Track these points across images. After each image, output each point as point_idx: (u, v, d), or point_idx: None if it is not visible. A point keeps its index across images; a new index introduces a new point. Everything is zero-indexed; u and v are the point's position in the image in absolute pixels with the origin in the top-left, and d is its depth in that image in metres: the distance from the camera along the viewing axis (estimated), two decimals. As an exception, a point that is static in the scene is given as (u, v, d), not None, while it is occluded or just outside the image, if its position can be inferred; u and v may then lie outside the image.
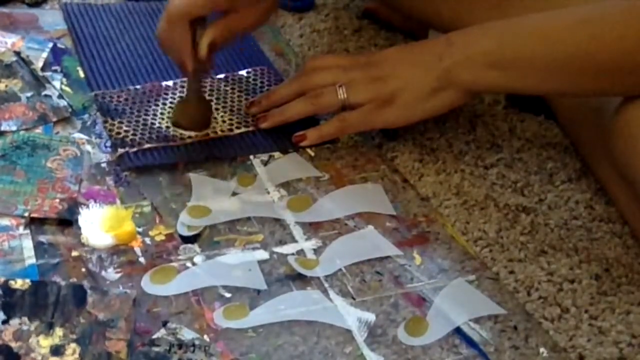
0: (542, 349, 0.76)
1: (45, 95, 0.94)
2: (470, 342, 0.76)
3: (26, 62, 0.98)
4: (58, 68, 1.00)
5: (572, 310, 0.80)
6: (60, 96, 0.95)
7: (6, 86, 0.95)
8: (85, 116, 0.94)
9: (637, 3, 0.82)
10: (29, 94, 0.94)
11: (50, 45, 1.02)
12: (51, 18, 1.08)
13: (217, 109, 0.97)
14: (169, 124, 0.93)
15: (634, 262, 0.85)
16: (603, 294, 0.82)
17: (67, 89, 0.97)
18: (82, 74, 1.00)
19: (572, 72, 0.85)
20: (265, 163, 0.92)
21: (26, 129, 0.90)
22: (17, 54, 0.99)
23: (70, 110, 0.93)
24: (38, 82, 0.96)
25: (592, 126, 0.92)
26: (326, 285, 0.79)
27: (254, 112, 0.96)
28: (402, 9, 1.07)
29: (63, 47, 1.03)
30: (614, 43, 0.82)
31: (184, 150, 0.91)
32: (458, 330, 0.76)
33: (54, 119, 0.92)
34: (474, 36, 0.89)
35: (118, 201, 0.84)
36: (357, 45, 1.09)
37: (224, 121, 0.95)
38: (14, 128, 0.90)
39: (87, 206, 0.82)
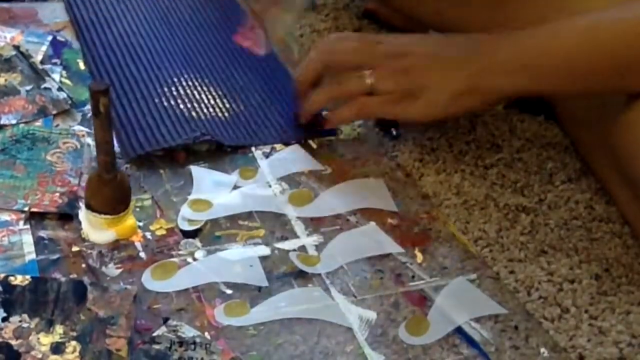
0: (542, 349, 0.75)
1: (45, 88, 0.93)
2: (470, 341, 0.75)
3: (25, 56, 0.96)
4: (58, 61, 0.98)
5: (572, 310, 0.79)
6: (59, 89, 0.93)
7: (5, 80, 0.93)
8: (86, 108, 0.92)
9: None
10: (28, 88, 0.93)
11: (50, 38, 1.01)
12: (50, 11, 1.06)
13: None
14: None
15: (634, 262, 0.84)
16: (603, 294, 0.81)
17: (67, 81, 0.96)
18: (82, 66, 0.98)
19: (598, 71, 0.84)
20: (267, 155, 0.91)
21: (26, 122, 0.88)
22: (16, 47, 0.97)
23: (70, 102, 0.92)
24: (37, 76, 0.94)
25: (592, 125, 0.92)
26: (327, 282, 0.78)
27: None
28: (402, 9, 1.06)
29: (63, 39, 1.02)
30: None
31: (183, 132, 0.90)
32: (459, 330, 0.75)
33: (54, 112, 0.91)
34: (501, 42, 0.88)
35: (119, 195, 0.83)
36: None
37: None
38: (13, 122, 0.88)
39: (88, 201, 0.81)
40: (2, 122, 0.88)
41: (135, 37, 1.03)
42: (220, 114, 0.94)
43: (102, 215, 0.77)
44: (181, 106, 0.93)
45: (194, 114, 0.93)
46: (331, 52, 0.93)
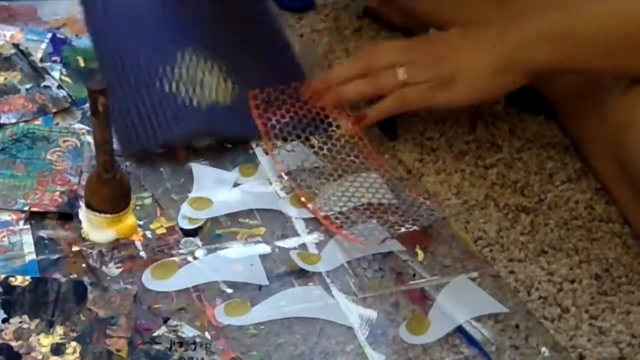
0: (543, 349, 0.73)
1: (45, 87, 0.91)
2: (471, 341, 0.73)
3: (25, 54, 0.95)
4: (58, 58, 0.97)
5: (572, 310, 0.78)
6: (59, 87, 0.91)
7: (5, 79, 0.91)
8: (85, 106, 0.90)
9: None
10: (28, 86, 0.91)
11: (49, 35, 0.99)
12: (50, 9, 1.04)
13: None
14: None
15: (633, 262, 0.83)
16: (603, 294, 0.80)
17: (67, 79, 0.94)
18: (82, 64, 0.96)
19: (627, 47, 0.83)
20: (267, 152, 0.89)
21: (26, 121, 0.87)
22: (16, 46, 0.95)
23: (70, 100, 0.90)
24: (37, 74, 0.93)
25: (592, 123, 0.90)
26: (328, 281, 0.77)
27: (309, 94, 0.93)
28: (402, 7, 1.05)
29: (62, 37, 1.00)
30: None
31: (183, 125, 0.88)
32: (459, 329, 0.74)
33: (54, 110, 0.89)
34: (528, 19, 0.87)
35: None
36: (357, 45, 1.06)
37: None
38: (13, 120, 0.87)
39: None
40: (2, 121, 0.86)
41: (139, 9, 1.01)
42: (221, 100, 0.92)
43: (102, 215, 0.75)
44: (182, 92, 0.91)
45: (194, 102, 0.90)
46: (370, 54, 0.92)
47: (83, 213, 0.77)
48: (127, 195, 0.77)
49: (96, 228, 0.76)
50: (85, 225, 0.76)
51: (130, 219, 0.77)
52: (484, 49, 0.88)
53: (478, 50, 0.88)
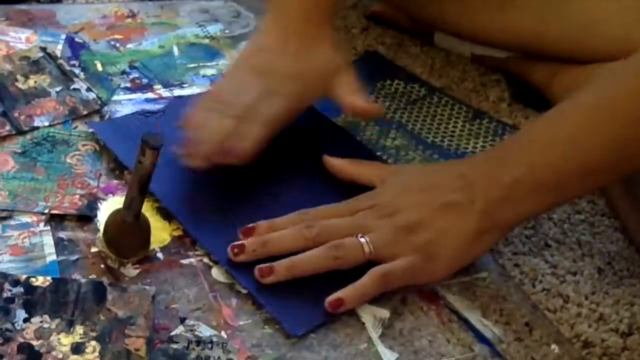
0: (553, 346, 0.72)
1: (74, 89, 0.89)
2: (480, 337, 0.72)
3: (52, 57, 0.93)
4: (76, 62, 0.95)
5: (575, 300, 0.76)
6: (88, 89, 0.90)
7: (35, 82, 0.90)
8: (104, 110, 0.88)
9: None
10: (58, 89, 0.89)
11: (64, 36, 0.97)
12: (68, 13, 1.03)
13: None
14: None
15: (635, 255, 0.82)
16: (605, 286, 0.78)
17: (86, 83, 0.92)
18: (99, 68, 0.94)
19: (610, 166, 0.74)
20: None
21: (58, 124, 0.85)
22: (43, 49, 0.94)
23: (99, 102, 0.88)
24: (66, 77, 0.91)
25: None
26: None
27: (244, 260, 0.74)
28: (407, 11, 1.03)
29: (81, 41, 0.98)
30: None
31: None
32: (469, 327, 0.73)
33: (84, 112, 0.87)
34: (492, 169, 0.75)
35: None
36: (365, 44, 1.04)
37: None
38: (46, 123, 0.85)
39: (106, 201, 0.78)
40: (35, 124, 0.85)
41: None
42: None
43: (122, 259, 0.74)
44: None
45: None
46: (311, 218, 0.76)
47: (102, 215, 0.76)
48: (147, 240, 0.74)
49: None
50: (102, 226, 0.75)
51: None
52: (454, 212, 0.74)
53: (448, 212, 0.74)
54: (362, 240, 0.73)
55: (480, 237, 0.75)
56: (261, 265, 0.72)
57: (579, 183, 0.75)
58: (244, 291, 0.72)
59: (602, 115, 0.73)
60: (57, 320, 0.67)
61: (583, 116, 0.74)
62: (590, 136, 0.72)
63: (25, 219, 0.76)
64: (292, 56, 0.84)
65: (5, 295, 0.68)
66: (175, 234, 0.77)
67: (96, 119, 0.88)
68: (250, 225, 0.75)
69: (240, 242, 0.73)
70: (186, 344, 0.67)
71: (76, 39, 0.98)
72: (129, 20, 1.04)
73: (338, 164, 0.83)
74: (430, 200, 0.75)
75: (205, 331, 0.68)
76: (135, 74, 0.95)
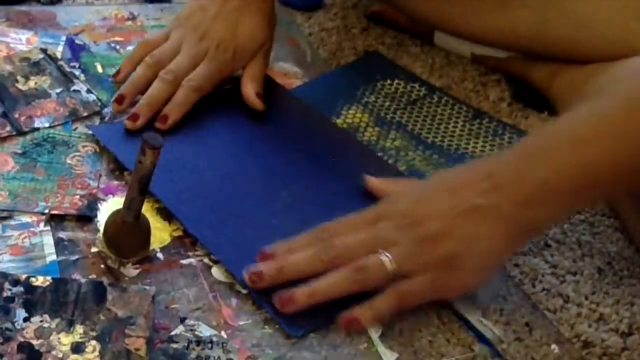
0: (553, 346, 0.72)
1: (74, 91, 0.89)
2: (480, 337, 0.71)
3: (53, 59, 0.93)
4: (77, 64, 0.94)
5: (575, 300, 0.76)
6: (89, 90, 0.90)
7: (36, 83, 0.90)
8: (104, 111, 0.88)
9: None
10: (58, 90, 0.89)
11: (64, 38, 0.97)
12: (68, 15, 1.03)
13: None
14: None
15: (635, 255, 0.81)
16: (606, 286, 0.78)
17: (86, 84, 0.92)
18: (100, 69, 0.94)
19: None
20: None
21: (58, 125, 0.85)
22: (44, 50, 0.94)
23: (100, 104, 0.88)
24: (66, 78, 0.91)
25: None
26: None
27: (260, 287, 0.71)
28: (408, 11, 1.02)
29: (81, 43, 0.98)
30: None
31: None
32: (469, 327, 0.72)
33: (85, 114, 0.87)
34: (520, 168, 0.70)
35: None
36: (365, 44, 1.04)
37: None
38: (46, 124, 0.85)
39: (106, 202, 0.78)
40: (35, 125, 0.85)
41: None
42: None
43: (122, 259, 0.73)
44: None
45: None
46: (331, 235, 0.72)
47: (102, 215, 0.76)
48: (147, 240, 0.74)
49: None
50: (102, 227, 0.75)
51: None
52: (481, 221, 0.69)
53: (475, 222, 0.69)
54: (384, 257, 0.69)
55: (508, 242, 0.70)
56: (281, 294, 0.69)
57: (611, 183, 0.71)
58: (244, 291, 0.72)
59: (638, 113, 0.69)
60: (57, 320, 0.66)
61: (617, 112, 0.70)
62: (624, 133, 0.69)
63: (26, 219, 0.75)
64: (225, 21, 0.90)
65: (5, 294, 0.68)
66: (175, 234, 0.76)
67: (96, 120, 0.87)
68: (269, 250, 0.72)
69: (257, 269, 0.70)
70: (186, 344, 0.67)
71: (76, 41, 0.98)
72: (129, 22, 1.04)
73: (377, 185, 0.79)
74: (453, 206, 0.70)
75: (205, 331, 0.68)
76: (135, 76, 0.95)
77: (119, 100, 0.87)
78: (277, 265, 0.71)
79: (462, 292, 0.72)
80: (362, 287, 0.69)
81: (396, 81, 0.99)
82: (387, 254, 0.69)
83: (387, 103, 0.96)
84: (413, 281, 0.69)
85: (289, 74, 0.99)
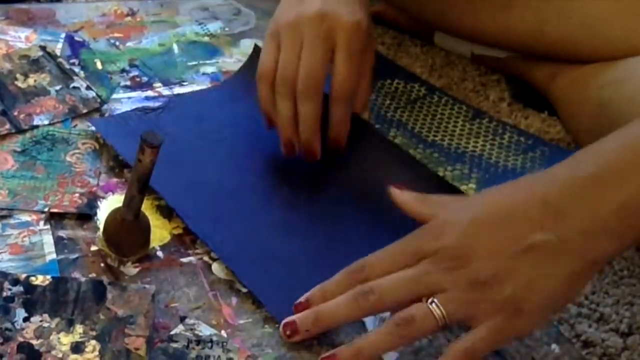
0: (553, 345, 0.71)
1: (74, 88, 0.89)
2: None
3: (52, 56, 0.92)
4: (76, 61, 0.94)
5: (575, 300, 0.75)
6: (88, 87, 0.89)
7: (35, 81, 0.89)
8: (104, 108, 0.88)
9: None
10: (57, 87, 0.89)
11: (63, 35, 0.97)
12: (68, 12, 1.02)
13: None
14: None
15: (634, 255, 0.81)
16: (606, 286, 0.78)
17: (86, 82, 0.91)
18: (99, 66, 0.94)
19: None
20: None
21: (57, 122, 0.85)
22: (43, 48, 0.93)
23: (99, 101, 0.88)
24: (65, 75, 0.90)
25: (593, 122, 0.88)
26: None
27: (297, 341, 0.67)
28: (408, 11, 1.02)
29: (80, 40, 0.98)
30: None
31: None
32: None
33: (84, 111, 0.87)
34: (586, 192, 0.61)
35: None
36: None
37: None
38: (46, 122, 0.84)
39: (106, 199, 0.77)
40: (35, 123, 0.84)
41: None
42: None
43: (122, 258, 0.73)
44: None
45: None
46: (371, 292, 0.64)
47: (102, 213, 0.75)
48: (147, 239, 0.73)
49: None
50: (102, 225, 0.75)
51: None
52: (547, 250, 0.60)
53: (537, 253, 0.60)
54: (433, 306, 0.62)
55: (571, 281, 0.62)
56: (324, 357, 0.65)
57: None
58: (244, 290, 0.72)
59: None
60: (56, 320, 0.66)
61: None
62: None
63: (25, 217, 0.75)
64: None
65: (5, 294, 0.67)
66: (175, 232, 0.76)
67: (96, 117, 0.87)
68: (303, 300, 0.67)
69: (291, 319, 0.66)
70: (186, 343, 0.66)
71: (76, 38, 0.98)
72: (129, 18, 1.03)
73: (401, 199, 0.70)
74: (509, 243, 0.61)
75: (205, 330, 0.68)
76: (135, 72, 0.95)
77: (288, 146, 0.80)
78: (313, 315, 0.66)
79: (523, 338, 0.68)
80: (409, 342, 0.66)
81: (396, 80, 0.99)
82: (436, 302, 0.62)
83: (387, 102, 0.96)
84: (476, 334, 0.62)
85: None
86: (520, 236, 0.61)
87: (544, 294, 0.61)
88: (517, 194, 0.64)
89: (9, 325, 0.65)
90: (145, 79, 0.94)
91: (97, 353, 0.64)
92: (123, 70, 0.95)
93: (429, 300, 0.62)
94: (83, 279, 0.69)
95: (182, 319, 0.68)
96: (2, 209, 0.75)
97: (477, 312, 0.61)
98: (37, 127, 0.84)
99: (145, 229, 0.73)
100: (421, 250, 0.64)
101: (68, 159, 0.81)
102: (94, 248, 0.73)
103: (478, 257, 0.62)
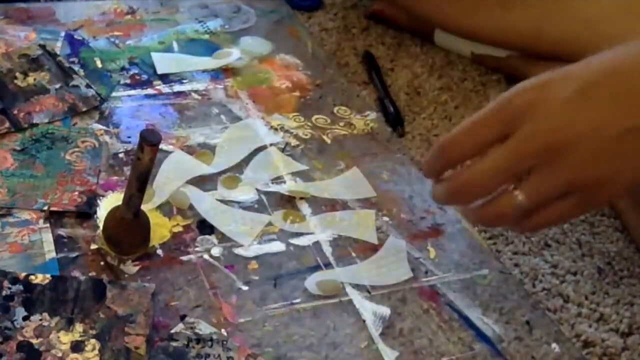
0: (553, 345, 0.71)
1: (73, 86, 0.88)
2: (481, 336, 0.71)
3: (52, 55, 0.92)
4: (76, 59, 0.94)
5: (575, 300, 0.76)
6: (88, 86, 0.89)
7: (34, 79, 0.88)
8: (103, 106, 0.88)
9: None
10: (57, 86, 0.88)
11: (63, 34, 0.96)
12: (67, 10, 1.02)
13: None
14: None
15: (634, 255, 0.81)
16: (606, 286, 0.78)
17: (86, 80, 0.91)
18: (99, 65, 0.93)
19: None
20: (281, 150, 0.86)
21: (57, 121, 0.84)
22: (43, 47, 0.93)
23: (99, 99, 0.87)
24: (65, 74, 0.90)
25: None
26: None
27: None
28: (408, 10, 1.02)
29: (80, 38, 0.97)
30: None
31: None
32: (470, 325, 0.72)
33: (84, 109, 0.86)
34: None
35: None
36: (365, 44, 1.04)
37: None
38: (45, 120, 0.84)
39: (106, 198, 0.77)
40: (34, 121, 0.84)
41: None
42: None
43: (122, 256, 0.72)
44: None
45: None
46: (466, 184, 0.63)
47: (102, 211, 0.75)
48: (147, 237, 0.73)
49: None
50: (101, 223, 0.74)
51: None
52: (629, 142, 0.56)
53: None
54: (516, 192, 0.61)
55: None
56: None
57: None
58: (245, 288, 0.71)
59: None
60: (56, 318, 0.66)
61: None
62: None
63: (25, 216, 0.74)
64: None
65: (4, 293, 0.67)
66: (175, 230, 0.75)
67: (95, 115, 0.87)
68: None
69: None
70: (186, 342, 0.66)
71: (75, 36, 0.97)
72: (129, 16, 1.03)
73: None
74: (609, 123, 0.56)
75: (205, 329, 0.67)
76: (134, 70, 0.94)
77: None
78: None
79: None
80: (499, 218, 0.64)
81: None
82: (518, 189, 0.60)
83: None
84: (553, 210, 0.61)
85: (290, 65, 0.98)
86: (616, 119, 0.57)
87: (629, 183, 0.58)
88: (605, 72, 0.61)
89: (8, 324, 0.65)
90: (145, 77, 0.94)
91: (96, 352, 0.64)
92: (123, 69, 0.94)
93: (514, 190, 0.60)
94: (83, 278, 0.69)
95: (182, 318, 0.68)
96: (2, 208, 0.75)
97: (551, 192, 0.60)
98: (36, 125, 0.83)
99: (145, 227, 0.73)
100: (507, 122, 0.61)
101: (67, 157, 0.81)
102: (93, 246, 0.73)
103: (572, 142, 0.58)
